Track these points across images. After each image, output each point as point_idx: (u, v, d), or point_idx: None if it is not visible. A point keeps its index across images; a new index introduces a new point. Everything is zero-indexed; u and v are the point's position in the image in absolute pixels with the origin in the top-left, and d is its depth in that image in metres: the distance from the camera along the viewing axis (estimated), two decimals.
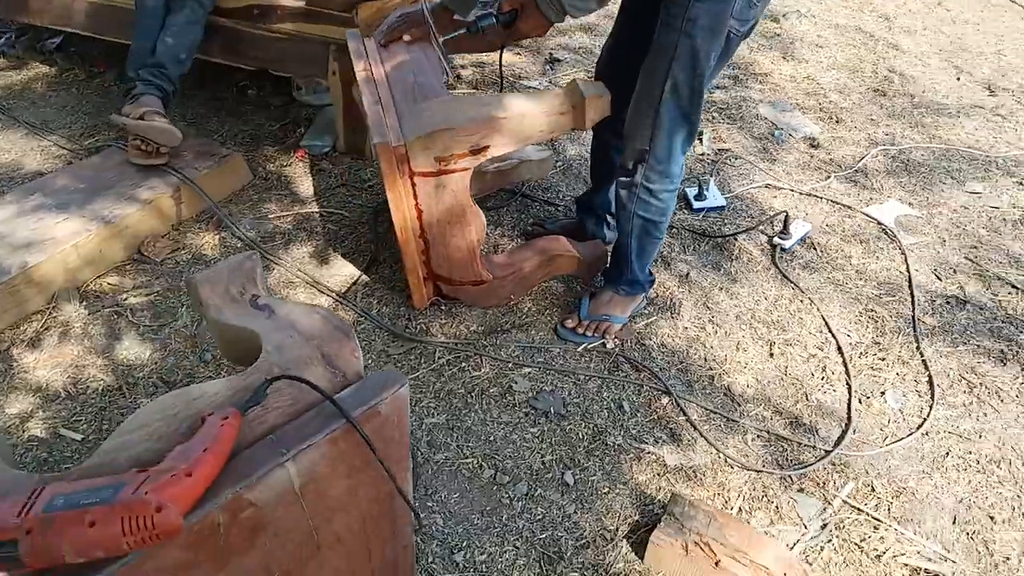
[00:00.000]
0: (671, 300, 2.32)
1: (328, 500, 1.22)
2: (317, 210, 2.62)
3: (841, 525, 1.75)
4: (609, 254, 2.29)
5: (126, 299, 2.22)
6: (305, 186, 2.73)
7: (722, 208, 2.68)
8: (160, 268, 2.34)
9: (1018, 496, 1.83)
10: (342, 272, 2.36)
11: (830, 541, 1.72)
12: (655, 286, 2.30)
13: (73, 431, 1.86)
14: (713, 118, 3.22)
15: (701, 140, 3.04)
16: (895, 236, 2.61)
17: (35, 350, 2.05)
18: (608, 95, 1.88)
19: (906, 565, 1.68)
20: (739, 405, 2.02)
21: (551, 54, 3.67)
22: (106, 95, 3.17)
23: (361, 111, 2.61)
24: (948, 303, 2.37)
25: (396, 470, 1.25)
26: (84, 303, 2.19)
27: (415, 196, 1.98)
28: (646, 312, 2.27)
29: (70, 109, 3.07)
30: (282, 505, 1.14)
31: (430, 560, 1.63)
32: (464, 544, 1.67)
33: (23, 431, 1.85)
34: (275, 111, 3.11)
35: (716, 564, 1.57)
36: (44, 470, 1.76)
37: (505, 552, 1.67)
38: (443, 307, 2.25)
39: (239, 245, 2.43)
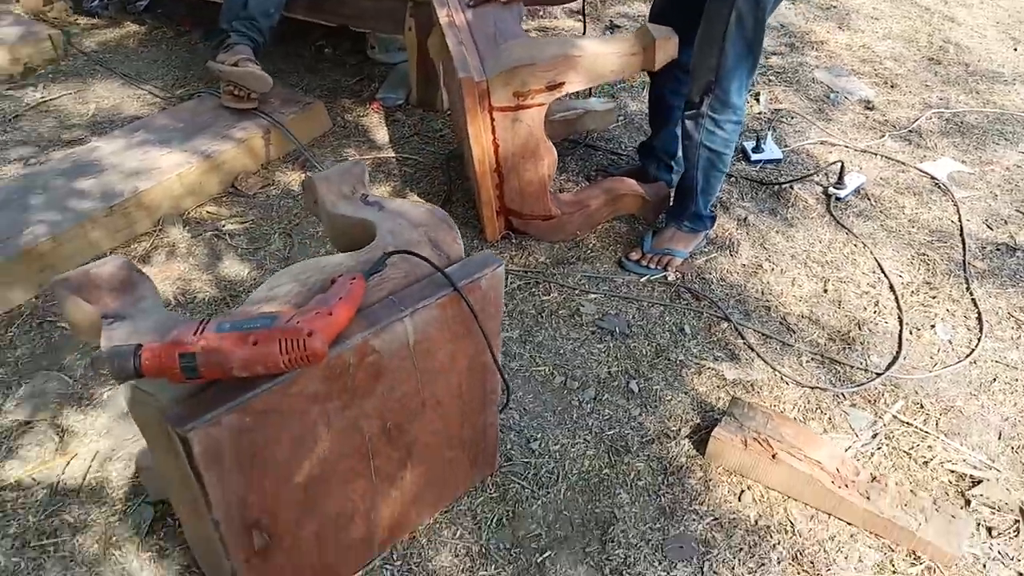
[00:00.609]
0: (730, 240, 2.44)
1: (433, 361, 1.38)
2: (393, 155, 2.79)
3: (891, 436, 1.87)
4: (672, 195, 2.43)
5: (224, 225, 2.42)
6: (380, 134, 2.91)
7: (779, 161, 2.79)
8: (252, 200, 2.54)
9: None
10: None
11: (880, 448, 1.84)
12: (715, 227, 2.43)
13: None
14: (770, 80, 3.33)
15: (758, 100, 3.15)
16: (948, 190, 2.70)
17: (146, 265, 2.26)
18: (676, 37, 2.01)
19: (952, 472, 1.79)
20: (794, 332, 2.15)
21: (611, 21, 3.80)
22: (193, 51, 3.38)
23: (436, 65, 2.79)
24: (998, 250, 2.45)
25: (491, 342, 1.42)
26: (187, 227, 2.39)
27: (493, 131, 2.13)
28: (706, 250, 2.40)
29: (160, 63, 3.29)
30: (398, 357, 1.31)
31: (509, 447, 1.79)
32: (539, 436, 1.83)
33: None
34: (350, 68, 3.30)
35: (773, 457, 1.70)
36: None
37: (576, 444, 1.82)
38: (513, 240, 2.40)
39: None
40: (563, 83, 2.05)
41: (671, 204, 2.39)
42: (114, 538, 1.60)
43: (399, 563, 1.58)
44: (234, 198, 2.54)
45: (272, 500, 1.26)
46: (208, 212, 2.47)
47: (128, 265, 1.34)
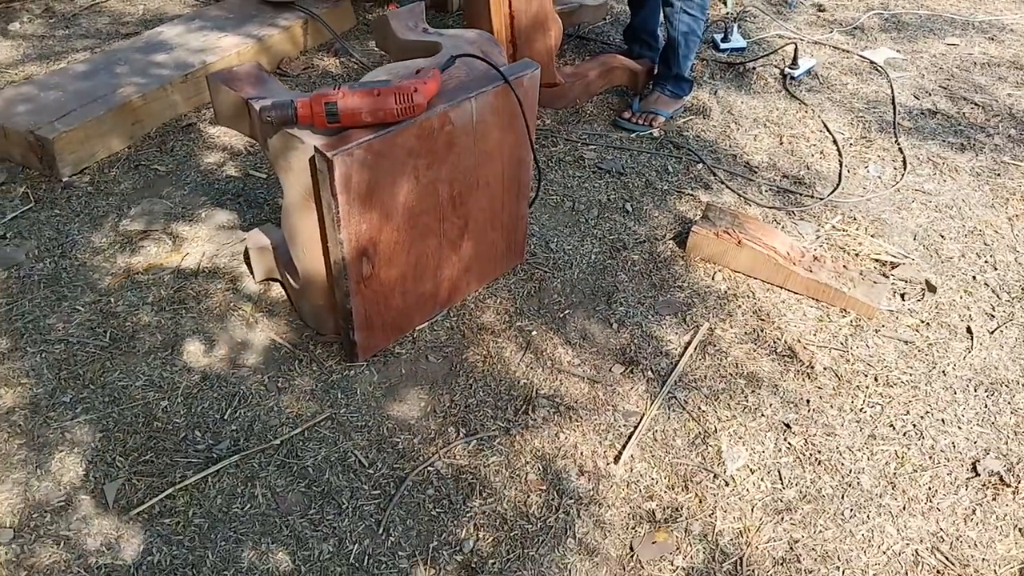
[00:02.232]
0: (703, 107, 2.93)
1: (487, 144, 1.85)
2: None
3: (829, 238, 2.38)
4: (656, 68, 2.90)
5: None
6: None
7: (743, 50, 3.27)
8: (297, 79, 2.96)
9: (963, 226, 2.45)
10: None
11: (820, 246, 2.35)
12: (691, 96, 2.91)
13: (258, 172, 2.50)
14: None
15: (726, 3, 3.61)
16: (884, 71, 3.21)
17: (215, 126, 2.68)
18: None
19: (876, 260, 2.31)
20: (756, 172, 2.65)
21: None
22: None
23: None
24: (923, 114, 2.97)
25: (530, 130, 1.88)
26: None
27: (510, 4, 2.58)
28: (684, 115, 2.88)
29: None
30: (464, 133, 1.77)
31: (532, 248, 2.27)
32: (555, 239, 2.31)
33: (222, 172, 2.49)
34: None
35: (739, 244, 2.20)
36: (238, 195, 2.40)
37: (584, 244, 2.31)
38: None
39: (356, 67, 3.04)
40: None
41: (656, 73, 2.86)
42: (232, 303, 2.05)
43: (455, 319, 2.06)
44: (281, 78, 2.96)
45: (376, 234, 1.72)
46: None
47: (259, 66, 1.79)
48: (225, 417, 1.79)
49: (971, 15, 3.69)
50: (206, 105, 2.75)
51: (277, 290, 2.10)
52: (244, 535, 1.58)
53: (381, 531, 1.60)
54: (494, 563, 1.56)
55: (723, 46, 3.26)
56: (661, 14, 2.78)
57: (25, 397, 1.80)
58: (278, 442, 1.74)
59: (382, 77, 1.74)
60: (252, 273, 2.11)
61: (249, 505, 1.63)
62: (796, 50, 3.13)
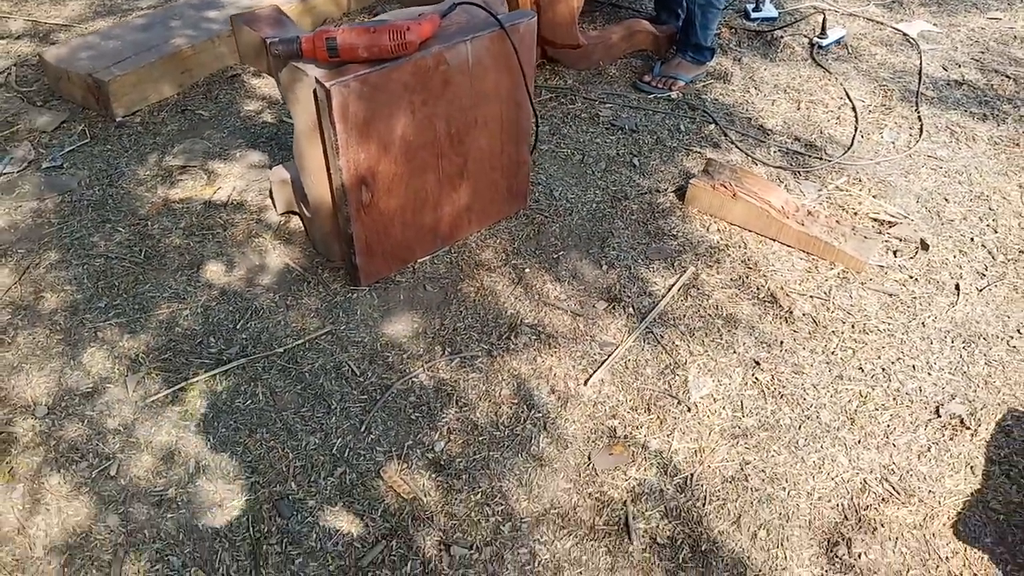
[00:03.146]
0: (726, 73, 2.99)
1: (484, 84, 1.98)
2: None
3: (831, 198, 2.43)
4: (678, 34, 2.98)
5: None
6: None
7: (774, 19, 3.31)
8: None
9: (970, 191, 2.46)
10: None
11: (820, 204, 2.40)
12: (715, 64, 2.97)
13: (291, 120, 2.69)
14: None
15: None
16: (916, 43, 3.19)
17: (258, 78, 2.89)
18: None
19: (874, 219, 2.35)
20: (768, 135, 2.70)
21: None
22: None
23: None
24: (949, 85, 2.96)
25: (527, 76, 2.01)
26: None
27: None
28: (704, 79, 2.95)
29: None
30: (460, 73, 1.90)
31: (536, 197, 2.39)
32: (559, 189, 2.43)
33: (259, 118, 2.70)
34: None
35: (734, 196, 2.28)
36: (271, 139, 2.60)
37: (587, 194, 2.42)
38: (547, 67, 2.98)
39: None
40: None
41: (678, 40, 2.93)
42: (254, 231, 2.25)
43: (455, 255, 2.21)
44: None
45: (375, 164, 1.88)
46: None
47: (278, 10, 1.96)
48: (237, 327, 1.98)
49: None
50: None
51: (296, 222, 2.29)
52: (242, 425, 1.77)
53: (363, 429, 1.76)
54: (460, 462, 1.70)
55: (754, 15, 3.30)
56: None
57: (66, 301, 2.04)
58: (281, 350, 1.93)
59: (384, 19, 1.89)
60: (275, 206, 2.30)
61: (250, 401, 1.82)
62: (824, 19, 3.14)
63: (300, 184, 2.16)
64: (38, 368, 1.88)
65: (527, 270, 2.16)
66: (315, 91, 1.76)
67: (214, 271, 2.13)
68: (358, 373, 1.88)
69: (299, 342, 1.95)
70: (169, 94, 2.75)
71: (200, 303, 2.04)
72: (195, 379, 1.86)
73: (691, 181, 2.34)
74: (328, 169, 1.90)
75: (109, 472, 1.67)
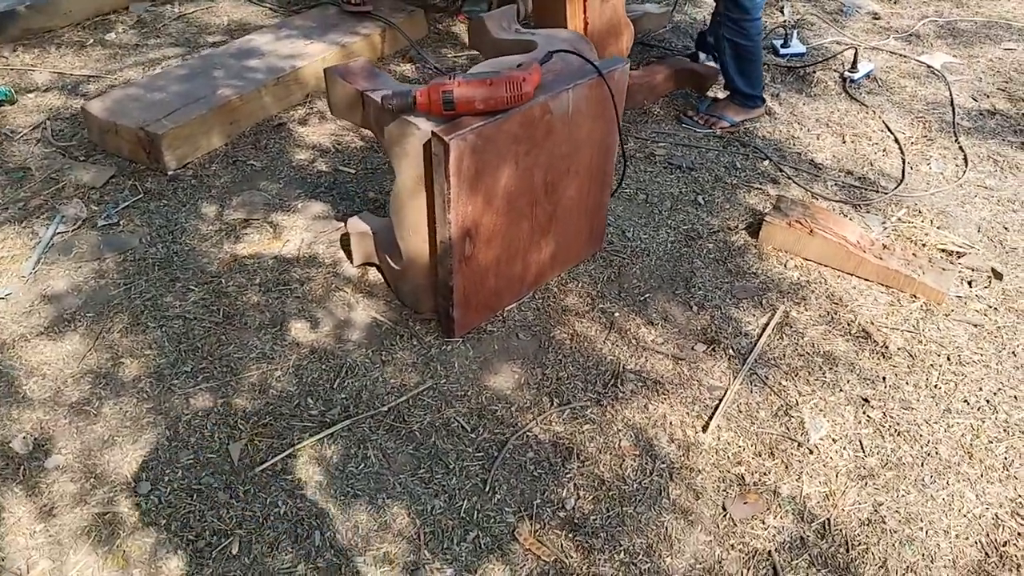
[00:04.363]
0: (767, 108, 3.03)
1: (580, 133, 1.97)
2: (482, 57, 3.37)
3: (896, 229, 2.47)
4: (717, 74, 3.01)
5: None
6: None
7: (803, 55, 3.37)
8: None
9: None
10: None
11: (887, 236, 2.43)
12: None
13: (347, 167, 2.65)
14: None
15: (783, 11, 3.73)
16: (942, 75, 3.29)
17: (304, 126, 2.84)
18: None
19: (942, 250, 2.39)
20: (821, 169, 2.74)
21: None
22: None
23: None
24: (982, 115, 3.04)
25: (619, 121, 2.00)
26: None
27: (585, 11, 2.71)
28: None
29: None
30: (561, 122, 1.89)
31: (608, 236, 2.38)
32: (631, 229, 2.42)
33: (313, 168, 2.64)
34: None
35: (810, 233, 2.30)
36: (330, 188, 2.55)
37: (659, 234, 2.41)
38: None
39: (431, 72, 3.20)
40: None
41: (724, 82, 2.95)
42: (333, 286, 2.19)
43: (540, 300, 2.18)
44: None
45: (479, 216, 1.85)
46: None
47: (369, 63, 1.93)
48: (334, 386, 1.91)
49: None
50: (294, 107, 2.92)
51: (374, 274, 2.23)
52: (360, 491, 1.70)
53: (487, 489, 1.71)
54: (595, 520, 1.66)
55: (783, 51, 3.37)
56: None
57: (149, 367, 1.95)
58: (385, 409, 1.86)
59: (487, 70, 1.87)
60: (350, 258, 2.24)
61: (363, 465, 1.75)
62: (856, 54, 3.22)
63: (384, 236, 2.11)
64: (131, 440, 1.78)
65: (616, 314, 2.14)
66: (427, 145, 1.72)
67: (299, 328, 2.06)
68: (469, 429, 1.83)
69: (402, 399, 1.89)
70: (218, 145, 2.69)
71: (291, 363, 1.97)
72: (301, 444, 1.78)
73: (765, 218, 2.35)
74: (431, 223, 1.86)
75: (231, 551, 1.59)
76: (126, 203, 2.43)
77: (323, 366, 1.97)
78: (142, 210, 2.42)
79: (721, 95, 3.06)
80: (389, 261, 2.10)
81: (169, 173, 2.55)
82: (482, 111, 1.71)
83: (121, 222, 2.37)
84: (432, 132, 1.68)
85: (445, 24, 3.59)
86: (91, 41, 3.31)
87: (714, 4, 3.06)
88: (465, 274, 1.92)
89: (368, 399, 1.89)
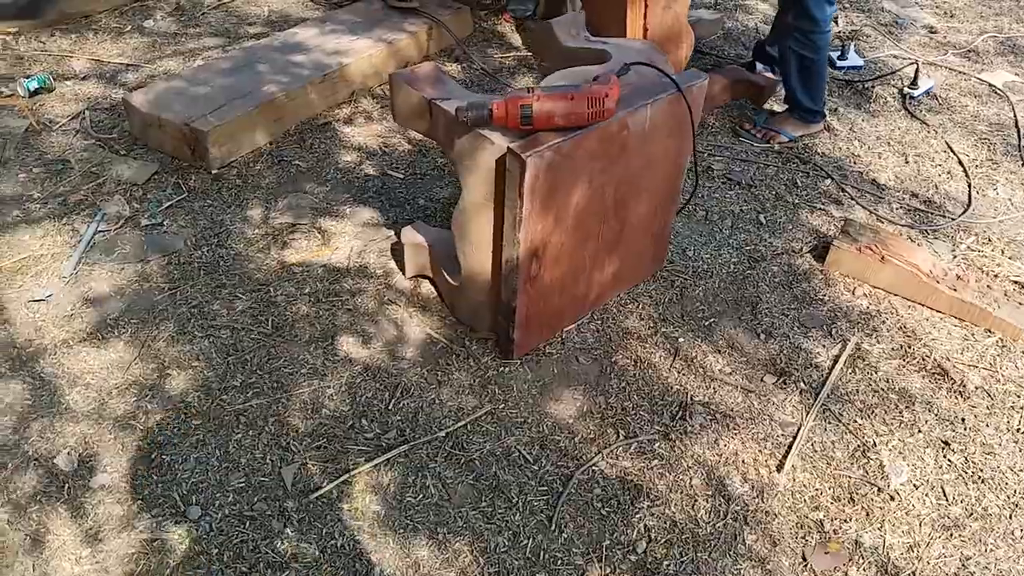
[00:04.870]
0: (826, 124, 2.92)
1: (653, 150, 1.87)
2: (528, 55, 3.27)
3: (967, 258, 2.37)
4: (776, 85, 2.91)
5: None
6: (515, 39, 3.38)
7: (860, 68, 3.26)
8: None
9: None
10: None
11: (958, 266, 2.33)
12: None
13: (395, 172, 2.56)
14: (844, 7, 3.79)
15: (836, 22, 3.61)
16: (1005, 94, 3.18)
17: (350, 126, 2.75)
18: None
19: (1015, 281, 2.28)
20: (884, 189, 2.64)
21: None
22: None
23: None
24: None
25: (694, 138, 1.90)
26: (375, 100, 2.88)
27: (645, 16, 2.61)
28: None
29: None
30: (636, 138, 1.80)
31: (669, 256, 2.29)
32: (691, 248, 2.33)
33: (360, 171, 2.55)
34: None
35: (882, 260, 2.20)
36: (379, 193, 2.45)
37: (721, 254, 2.32)
38: None
39: (477, 73, 3.10)
40: None
41: (786, 97, 2.84)
42: (385, 299, 2.10)
43: (600, 322, 2.09)
44: None
45: (548, 234, 1.76)
46: (388, 90, 2.95)
47: (437, 67, 1.84)
48: (389, 407, 1.83)
49: None
50: (339, 105, 2.83)
51: (427, 287, 2.14)
52: (420, 524, 1.62)
53: (553, 527, 1.62)
54: (668, 565, 1.57)
55: (840, 64, 3.25)
56: None
57: (197, 380, 1.86)
58: (443, 434, 1.78)
59: (562, 82, 1.78)
60: (402, 269, 2.16)
61: (422, 495, 1.66)
62: (917, 70, 3.11)
63: (441, 249, 2.02)
64: (180, 460, 1.70)
65: (681, 339, 2.05)
66: (500, 160, 1.63)
67: (351, 344, 1.97)
68: (531, 460, 1.74)
69: (460, 424, 1.80)
70: (262, 143, 2.60)
71: (343, 381, 1.88)
72: (357, 469, 1.70)
73: (833, 243, 2.25)
74: (497, 240, 1.77)
75: None
76: (170, 202, 2.35)
77: (377, 385, 1.88)
78: (187, 210, 2.33)
79: (778, 108, 2.96)
80: (446, 276, 2.01)
81: (214, 171, 2.46)
82: (561, 127, 1.62)
83: (165, 222, 2.28)
84: (508, 148, 1.59)
85: (490, 22, 3.49)
86: (129, 28, 3.22)
87: (774, 14, 2.96)
88: (529, 294, 1.83)
89: (425, 422, 1.80)
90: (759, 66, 3.03)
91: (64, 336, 1.94)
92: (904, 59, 3.39)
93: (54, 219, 2.26)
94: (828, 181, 2.64)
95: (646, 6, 2.58)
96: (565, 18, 2.07)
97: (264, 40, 2.96)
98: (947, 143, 2.88)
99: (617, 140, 1.75)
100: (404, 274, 2.15)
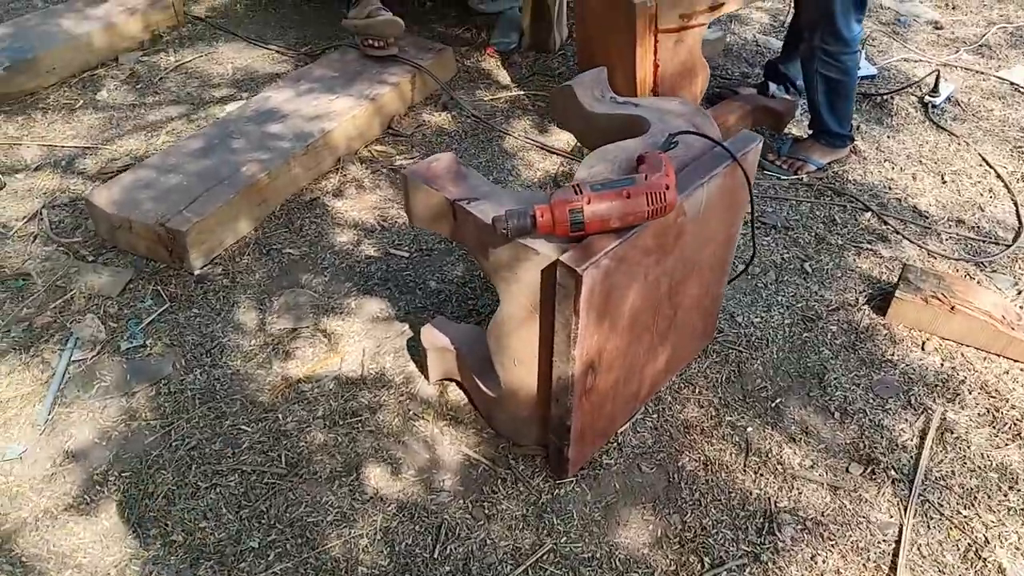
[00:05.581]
0: (852, 147, 2.71)
1: (708, 228, 1.64)
2: (520, 93, 3.02)
3: None
4: (796, 108, 2.69)
5: (396, 161, 2.64)
6: (502, 76, 3.13)
7: (874, 76, 3.06)
8: (411, 139, 2.76)
9: None
10: (561, 137, 2.76)
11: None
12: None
13: (398, 250, 2.30)
14: None
15: None
16: None
17: (340, 199, 2.48)
18: None
19: None
20: (926, 217, 2.43)
21: None
22: (300, 12, 3.56)
23: (551, 8, 3.00)
24: None
25: (752, 206, 1.67)
26: (363, 165, 2.62)
27: (656, 52, 2.38)
28: None
29: (274, 25, 3.47)
30: (692, 221, 1.56)
31: (718, 323, 2.06)
32: (739, 311, 2.10)
33: (360, 253, 2.29)
34: (453, 18, 3.50)
35: (952, 310, 1.99)
36: (385, 279, 2.20)
37: (772, 316, 2.10)
38: None
39: (469, 121, 2.84)
40: (723, 3, 2.30)
41: (811, 122, 2.62)
42: (410, 412, 1.85)
43: (655, 416, 1.85)
44: (393, 138, 2.76)
45: (603, 343, 1.52)
46: (376, 151, 2.69)
47: (455, 159, 1.58)
48: (435, 556, 1.58)
49: None
50: (325, 175, 2.56)
51: (454, 391, 1.90)
52: None
53: None
54: None
55: None
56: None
57: (208, 545, 1.60)
58: None
59: (599, 167, 1.53)
60: (424, 372, 1.91)
61: None
62: (938, 77, 2.91)
63: (472, 354, 1.78)
64: None
65: (749, 429, 1.82)
66: (546, 270, 1.39)
67: (379, 475, 1.72)
68: None
69: (519, 570, 1.56)
70: (246, 231, 2.32)
71: (377, 525, 1.63)
72: None
73: (896, 294, 2.04)
74: (547, 354, 1.53)
75: None
76: (151, 317, 2.07)
77: (416, 527, 1.63)
78: (171, 324, 2.05)
79: (795, 131, 2.75)
80: (481, 386, 1.76)
81: (196, 273, 2.18)
82: (617, 228, 1.38)
83: (148, 342, 2.01)
84: (559, 261, 1.35)
85: (474, 59, 3.23)
86: (81, 103, 2.91)
87: (787, 32, 2.74)
88: (584, 408, 1.60)
89: (479, 571, 1.56)
90: (772, 86, 2.82)
91: (46, 504, 1.66)
92: (915, 62, 3.19)
93: (20, 351, 1.98)
94: (868, 214, 2.43)
95: (656, 41, 2.34)
96: (586, 78, 1.82)
97: (235, 108, 2.68)
98: (981, 156, 2.69)
99: (673, 229, 1.52)
100: (428, 379, 1.90)
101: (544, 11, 3.14)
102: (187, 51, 3.26)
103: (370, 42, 2.91)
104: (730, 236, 1.76)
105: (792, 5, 2.63)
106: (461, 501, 1.68)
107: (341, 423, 1.83)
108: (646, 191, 1.35)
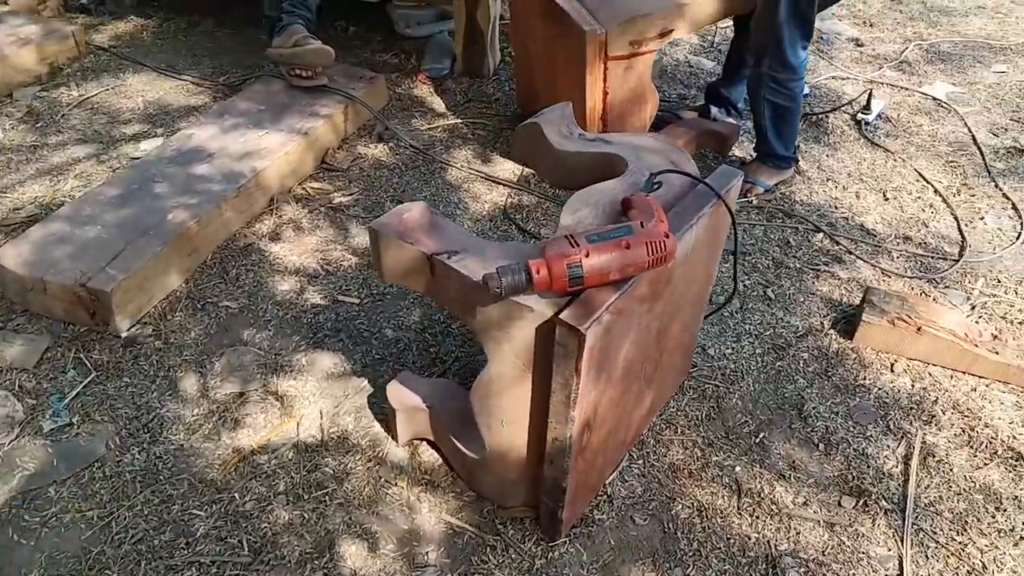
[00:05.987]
0: (796, 168, 2.73)
1: (692, 268, 1.58)
2: (458, 121, 2.91)
3: (985, 306, 2.21)
4: (739, 131, 2.69)
5: (334, 198, 2.48)
6: (437, 103, 3.01)
7: (807, 95, 3.10)
8: (347, 174, 2.60)
9: None
10: (506, 167, 2.67)
11: (980, 317, 2.17)
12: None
13: (348, 296, 2.14)
14: None
15: None
16: (951, 107, 3.09)
17: (278, 242, 2.31)
18: None
19: None
20: (874, 235, 2.46)
21: None
22: (215, 40, 3.35)
23: (484, 33, 2.91)
24: (1009, 153, 2.86)
25: (736, 242, 1.61)
26: (299, 204, 2.45)
27: (605, 79, 2.32)
28: None
29: (185, 54, 3.25)
30: (680, 263, 1.49)
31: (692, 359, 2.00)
32: (709, 343, 2.05)
33: (305, 302, 2.12)
34: (378, 44, 3.37)
35: (918, 330, 2.00)
36: (336, 330, 2.04)
37: (742, 345, 2.06)
38: None
39: (407, 152, 2.71)
40: (672, 30, 2.26)
41: (756, 144, 2.61)
42: (382, 479, 1.70)
43: (640, 462, 1.77)
44: (329, 173, 2.60)
45: (599, 398, 1.42)
46: (312, 188, 2.52)
47: (427, 208, 1.46)
48: None
49: (1003, 39, 3.65)
50: (258, 217, 2.38)
51: (427, 452, 1.76)
52: None
53: None
54: None
55: None
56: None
57: None
58: None
59: (583, 211, 1.44)
60: (393, 435, 1.77)
61: None
62: (870, 95, 2.98)
63: (447, 410, 1.65)
64: None
65: (737, 468, 1.76)
66: (540, 328, 1.28)
67: (354, 554, 1.57)
68: None
69: None
70: (176, 285, 2.12)
71: None
72: None
73: (863, 318, 2.03)
74: (541, 416, 1.42)
75: None
76: (75, 390, 1.84)
77: None
78: (99, 397, 1.84)
79: (738, 153, 2.75)
80: (460, 448, 1.63)
81: (123, 335, 1.97)
82: (616, 280, 1.29)
83: (74, 420, 1.78)
84: (559, 319, 1.24)
85: (405, 86, 3.10)
86: None
87: (728, 56, 2.75)
88: (579, 468, 1.49)
89: None
90: (713, 110, 2.81)
91: None
92: (843, 79, 3.26)
93: None
94: (820, 235, 2.44)
95: (605, 68, 2.28)
96: (552, 114, 1.72)
97: (153, 148, 2.46)
98: (916, 170, 2.75)
99: (664, 274, 1.44)
100: (396, 441, 1.76)
101: (477, 35, 3.05)
102: (91, 84, 3.00)
103: (297, 72, 2.74)
104: (710, 273, 1.71)
105: (732, 28, 2.63)
106: (450, 575, 1.54)
107: (306, 497, 1.66)
108: (646, 241, 1.27)
